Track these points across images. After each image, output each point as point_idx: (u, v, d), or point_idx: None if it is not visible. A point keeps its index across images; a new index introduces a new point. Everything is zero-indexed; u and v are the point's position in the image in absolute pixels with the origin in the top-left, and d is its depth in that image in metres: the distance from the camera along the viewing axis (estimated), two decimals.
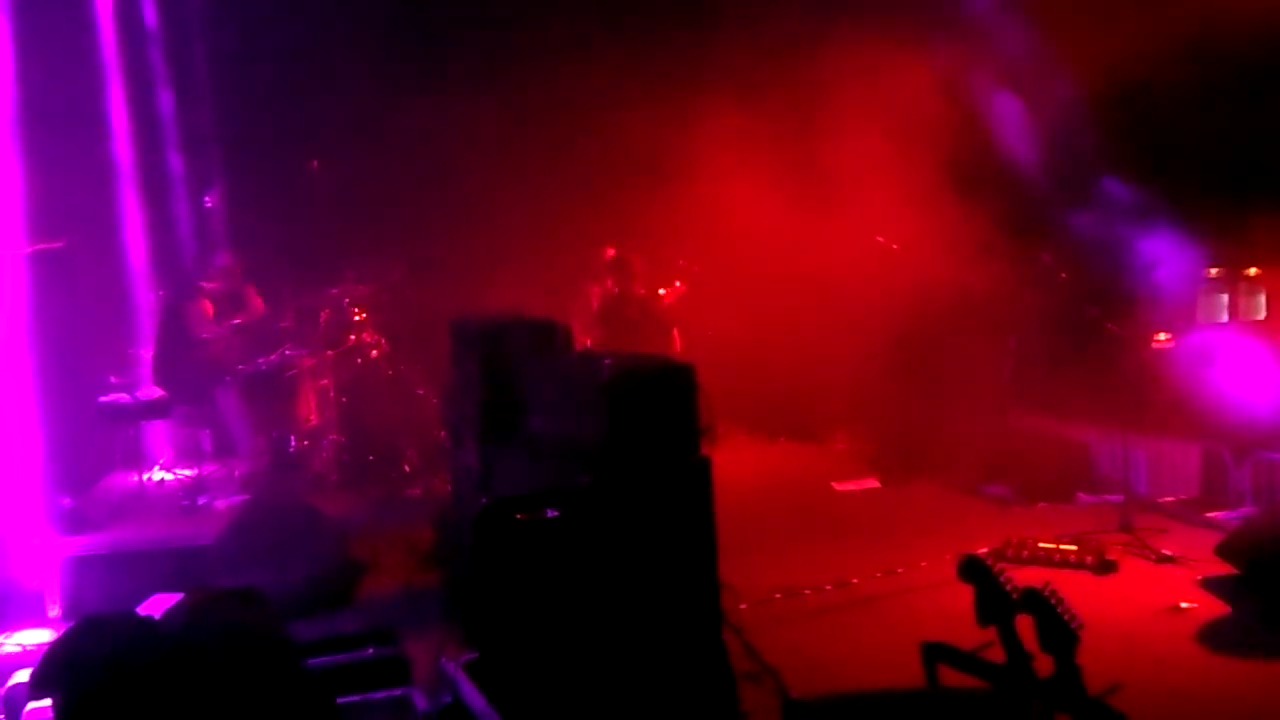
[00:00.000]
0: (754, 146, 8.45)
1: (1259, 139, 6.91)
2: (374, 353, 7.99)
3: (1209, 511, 6.34)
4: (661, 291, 8.56)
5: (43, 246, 6.99)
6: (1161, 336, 6.96)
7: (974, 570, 2.94)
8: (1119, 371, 6.34)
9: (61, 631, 3.55)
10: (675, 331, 7.93)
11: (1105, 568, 5.47)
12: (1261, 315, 6.94)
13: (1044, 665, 2.75)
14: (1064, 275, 6.56)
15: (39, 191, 7.11)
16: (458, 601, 4.89)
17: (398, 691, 3.92)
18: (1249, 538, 5.23)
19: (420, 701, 3.89)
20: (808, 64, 8.24)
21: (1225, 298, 6.99)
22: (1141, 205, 7.20)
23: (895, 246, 8.02)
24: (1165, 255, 6.98)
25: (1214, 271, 7.05)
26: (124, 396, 7.53)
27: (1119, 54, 6.69)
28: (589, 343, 7.98)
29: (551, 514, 3.78)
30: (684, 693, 3.88)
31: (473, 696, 3.74)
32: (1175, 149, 7.23)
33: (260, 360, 7.64)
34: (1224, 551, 5.25)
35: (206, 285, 7.83)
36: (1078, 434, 7.24)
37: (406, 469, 7.63)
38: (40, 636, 5.02)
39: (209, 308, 7.54)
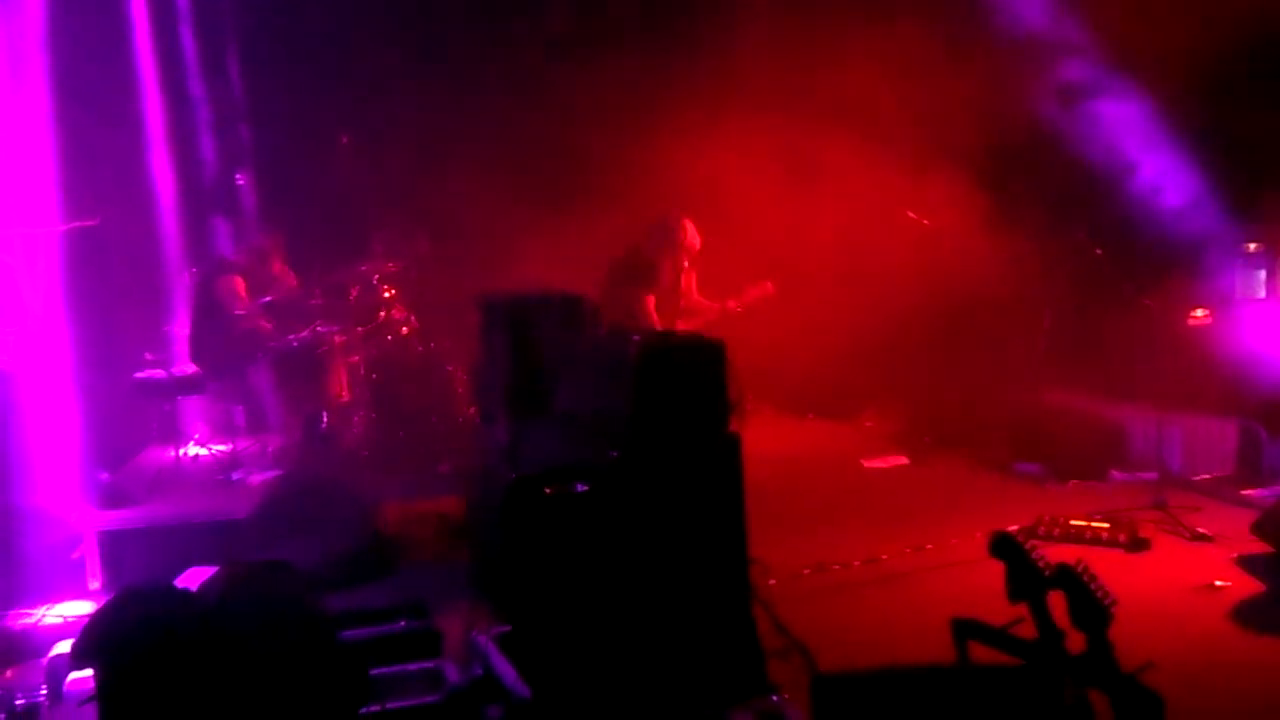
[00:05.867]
0: (782, 121, 8.39)
1: None
2: (404, 330, 8.03)
3: (1244, 489, 6.27)
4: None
5: (77, 224, 7.07)
6: (1198, 312, 6.86)
7: (1005, 547, 2.93)
8: (1154, 348, 6.26)
9: (101, 603, 3.61)
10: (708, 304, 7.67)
11: (1138, 545, 5.42)
12: None
13: (1076, 642, 2.74)
14: (1099, 251, 6.47)
15: (73, 169, 7.18)
16: (488, 575, 4.93)
17: (430, 664, 3.97)
18: None
19: (452, 673, 3.93)
20: (831, 40, 8.17)
21: (1264, 273, 6.88)
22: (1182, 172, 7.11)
23: (927, 222, 7.94)
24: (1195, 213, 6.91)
25: (1253, 246, 6.94)
26: (159, 372, 7.62)
27: (1169, 29, 6.58)
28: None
29: (580, 488, 3.80)
30: (713, 667, 3.90)
31: (503, 669, 3.78)
32: (1217, 123, 7.12)
33: (292, 337, 7.70)
34: (1259, 529, 5.19)
35: (238, 260, 7.88)
36: (1111, 411, 7.16)
37: (436, 444, 7.68)
38: (80, 608, 5.11)
39: (241, 284, 7.58)
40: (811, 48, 8.37)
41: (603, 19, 9.24)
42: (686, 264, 7.61)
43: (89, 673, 3.42)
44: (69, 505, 5.94)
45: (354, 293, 8.09)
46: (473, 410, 7.09)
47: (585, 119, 8.96)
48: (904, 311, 7.87)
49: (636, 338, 4.11)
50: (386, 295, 8.09)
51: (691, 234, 7.53)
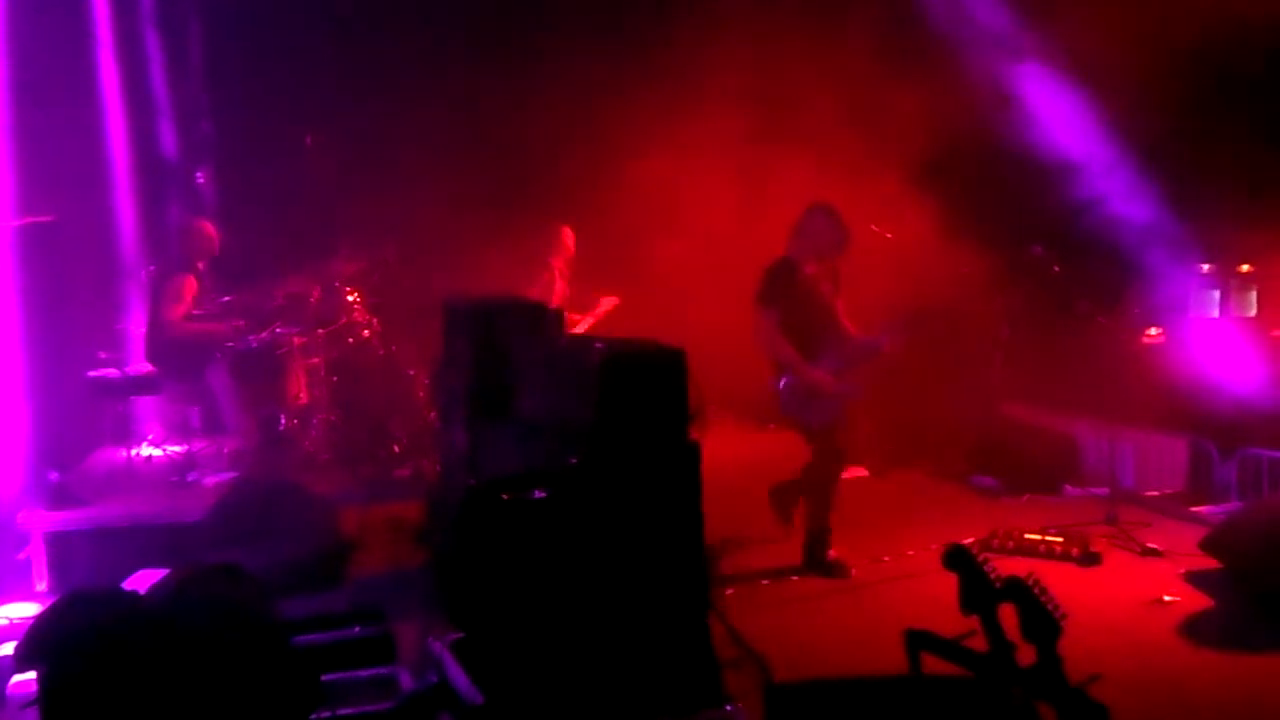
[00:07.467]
0: (740, 129, 8.45)
1: (1256, 137, 6.93)
2: (365, 332, 7.97)
3: (1194, 506, 6.39)
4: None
5: (32, 220, 6.95)
6: (1152, 331, 6.99)
7: (958, 559, 2.95)
8: (1108, 365, 6.36)
9: (47, 605, 3.55)
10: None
11: (1090, 560, 5.50)
12: (1252, 311, 6.97)
13: (1026, 655, 2.77)
14: (1056, 268, 6.57)
15: (29, 165, 7.05)
16: (444, 581, 4.90)
17: (384, 670, 3.93)
18: (1233, 533, 5.27)
19: (406, 680, 3.90)
20: (787, 56, 8.25)
21: (1217, 293, 7.02)
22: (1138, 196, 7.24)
23: (889, 235, 8.01)
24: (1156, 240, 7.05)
25: (1206, 267, 7.08)
26: (113, 371, 7.49)
27: (1122, 47, 6.69)
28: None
29: (538, 495, 3.79)
30: (668, 676, 3.90)
31: (458, 676, 3.76)
32: (1172, 144, 7.25)
33: (251, 338, 7.61)
34: (1208, 546, 5.29)
35: (193, 256, 7.56)
36: (1066, 426, 7.27)
37: (396, 449, 7.63)
38: (26, 610, 5.01)
39: (189, 285, 7.36)
40: (765, 56, 8.46)
41: (564, 29, 9.26)
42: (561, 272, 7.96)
43: (32, 676, 3.36)
44: (17, 505, 5.83)
45: (315, 294, 8.01)
46: (433, 414, 7.06)
47: (550, 127, 8.97)
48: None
49: (598, 345, 4.11)
50: (349, 298, 8.03)
51: (570, 240, 8.00)
